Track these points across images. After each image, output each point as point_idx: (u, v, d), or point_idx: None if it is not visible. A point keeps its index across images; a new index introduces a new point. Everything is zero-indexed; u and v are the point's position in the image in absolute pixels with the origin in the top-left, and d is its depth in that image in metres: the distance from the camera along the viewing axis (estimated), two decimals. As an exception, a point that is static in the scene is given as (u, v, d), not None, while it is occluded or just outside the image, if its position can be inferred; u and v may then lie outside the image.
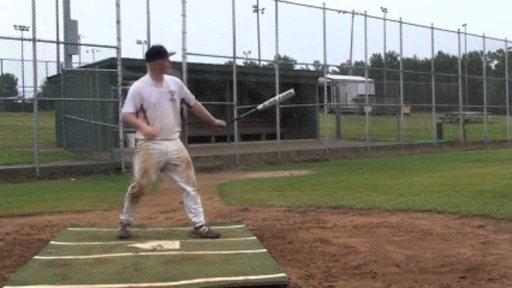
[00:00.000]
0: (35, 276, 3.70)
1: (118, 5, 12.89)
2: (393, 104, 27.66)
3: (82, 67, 20.41)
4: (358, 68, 35.00)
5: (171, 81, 5.17)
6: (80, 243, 4.82)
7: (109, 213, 6.72)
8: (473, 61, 35.09)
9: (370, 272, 3.77)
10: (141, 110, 5.04)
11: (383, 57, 31.23)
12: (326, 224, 5.69)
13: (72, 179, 11.81)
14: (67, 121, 16.23)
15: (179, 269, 3.82)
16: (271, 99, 6.07)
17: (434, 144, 21.15)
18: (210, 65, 16.58)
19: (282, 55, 22.95)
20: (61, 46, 17.92)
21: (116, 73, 13.01)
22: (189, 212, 5.13)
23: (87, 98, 14.52)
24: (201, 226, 5.05)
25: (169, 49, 5.24)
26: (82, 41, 19.06)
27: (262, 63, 23.80)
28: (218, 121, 5.59)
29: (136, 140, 5.14)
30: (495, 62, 48.79)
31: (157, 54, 5.08)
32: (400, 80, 20.81)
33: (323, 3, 17.59)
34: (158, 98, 5.02)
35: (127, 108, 5.06)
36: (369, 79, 25.38)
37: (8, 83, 35.71)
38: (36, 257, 4.26)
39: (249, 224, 5.71)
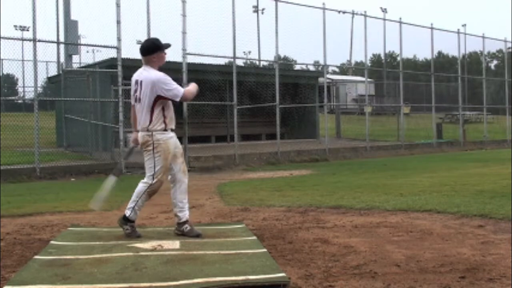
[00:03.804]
0: (35, 276, 3.71)
1: (118, 5, 12.89)
2: (393, 104, 27.67)
3: (82, 67, 20.42)
4: (358, 68, 34.99)
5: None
6: (81, 243, 4.83)
7: (109, 213, 6.73)
8: (473, 61, 35.10)
9: (370, 272, 3.77)
10: (163, 101, 4.98)
11: (383, 57, 31.23)
12: (326, 224, 5.69)
13: (73, 179, 11.81)
14: (67, 121, 16.23)
15: (179, 269, 3.82)
16: None
17: (434, 144, 21.15)
18: (210, 65, 16.58)
19: (282, 55, 22.98)
20: (62, 46, 17.92)
21: (116, 73, 13.02)
22: (175, 205, 5.19)
23: (87, 98, 14.53)
24: (184, 223, 5.12)
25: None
26: (82, 41, 19.10)
27: (262, 63, 23.78)
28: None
29: (151, 135, 4.97)
30: (495, 62, 48.79)
31: (159, 46, 5.11)
32: (400, 80, 20.82)
33: (323, 3, 17.60)
34: None
35: (179, 88, 5.00)
36: (369, 79, 25.38)
37: (9, 83, 35.70)
38: (36, 257, 4.27)
39: (249, 224, 5.72)
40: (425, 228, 5.29)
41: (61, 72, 18.21)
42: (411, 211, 6.31)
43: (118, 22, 12.89)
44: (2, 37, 12.28)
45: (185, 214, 5.14)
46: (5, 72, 32.08)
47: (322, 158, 16.33)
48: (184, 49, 13.81)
